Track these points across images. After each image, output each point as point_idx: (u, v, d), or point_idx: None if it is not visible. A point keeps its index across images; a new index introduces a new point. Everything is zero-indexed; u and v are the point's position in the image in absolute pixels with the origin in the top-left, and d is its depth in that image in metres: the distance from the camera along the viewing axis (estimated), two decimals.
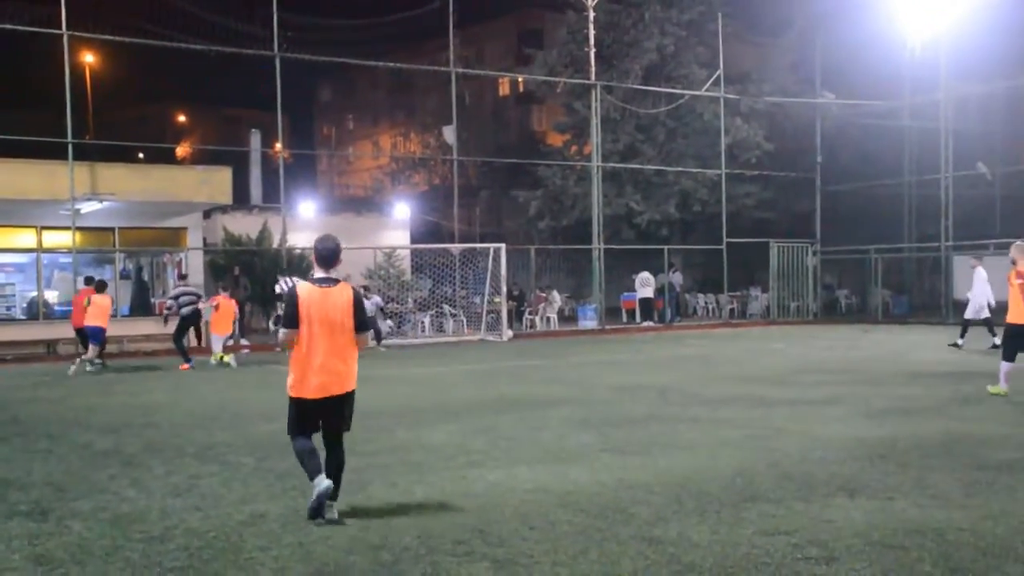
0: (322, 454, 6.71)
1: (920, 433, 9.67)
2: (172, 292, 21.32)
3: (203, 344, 22.87)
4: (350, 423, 6.85)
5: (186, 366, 18.82)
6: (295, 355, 6.60)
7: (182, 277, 24.89)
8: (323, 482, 6.42)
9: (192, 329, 20.65)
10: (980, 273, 20.92)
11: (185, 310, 19.83)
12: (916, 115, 33.95)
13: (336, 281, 6.70)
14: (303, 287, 6.68)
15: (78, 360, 18.66)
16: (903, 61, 32.75)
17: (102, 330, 18.61)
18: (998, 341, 20.30)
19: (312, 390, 6.58)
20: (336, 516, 6.47)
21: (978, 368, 16.35)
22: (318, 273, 6.78)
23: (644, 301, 31.63)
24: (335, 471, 6.62)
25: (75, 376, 17.71)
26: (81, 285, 21.08)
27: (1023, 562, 5.45)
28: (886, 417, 10.80)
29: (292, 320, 6.58)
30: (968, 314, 20.83)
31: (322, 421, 6.71)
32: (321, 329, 6.57)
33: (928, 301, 33.97)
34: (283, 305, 6.81)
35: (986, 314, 20.70)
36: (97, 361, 18.87)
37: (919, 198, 34.82)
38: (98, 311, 18.45)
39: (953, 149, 31.00)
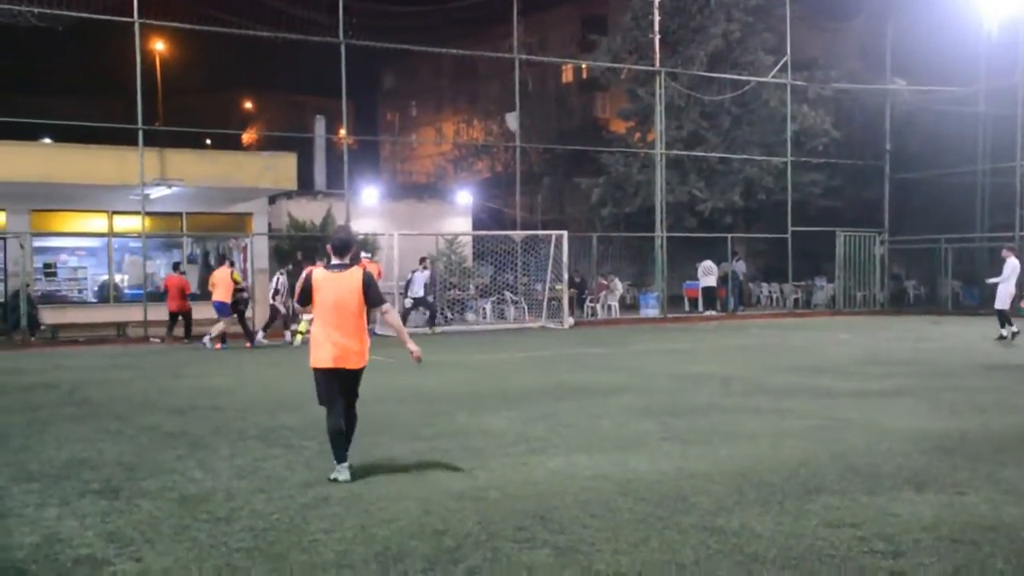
0: None
1: (991, 426, 9.45)
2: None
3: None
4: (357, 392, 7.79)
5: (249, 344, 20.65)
6: (313, 332, 7.56)
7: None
8: (343, 473, 7.30)
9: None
10: (1012, 263, 20.46)
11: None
12: (991, 101, 33.02)
13: (347, 266, 7.47)
14: (318, 272, 7.55)
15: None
16: (979, 44, 31.88)
17: (226, 305, 20.51)
18: (1004, 333, 19.87)
19: (326, 360, 7.41)
20: (349, 476, 7.31)
21: None
22: (333, 260, 7.56)
23: (707, 290, 31.34)
24: (349, 427, 7.57)
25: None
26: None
27: None
28: (955, 410, 10.57)
29: (304, 298, 7.59)
30: (999, 304, 20.38)
31: (341, 385, 7.51)
32: (333, 309, 7.40)
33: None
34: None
35: (1001, 305, 20.19)
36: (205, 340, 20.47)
37: (992, 186, 33.92)
38: (223, 287, 20.48)
39: None
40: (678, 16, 35.34)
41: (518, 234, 29.23)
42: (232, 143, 51.15)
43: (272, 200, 29.21)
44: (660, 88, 31.33)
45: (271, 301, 21.69)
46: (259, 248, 26.08)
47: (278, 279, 21.61)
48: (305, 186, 31.42)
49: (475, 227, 36.78)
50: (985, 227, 34.01)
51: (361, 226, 29.43)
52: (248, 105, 75.26)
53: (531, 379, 14.17)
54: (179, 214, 25.80)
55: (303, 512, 6.45)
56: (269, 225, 28.38)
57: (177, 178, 22.87)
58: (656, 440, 8.91)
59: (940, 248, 32.43)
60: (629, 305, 32.87)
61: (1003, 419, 9.94)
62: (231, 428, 9.88)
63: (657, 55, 31.27)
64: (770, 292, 35.08)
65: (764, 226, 35.63)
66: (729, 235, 32.87)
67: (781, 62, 32.49)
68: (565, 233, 26.78)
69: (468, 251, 31.09)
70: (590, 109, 60.61)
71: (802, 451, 8.29)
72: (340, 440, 7.39)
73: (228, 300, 20.46)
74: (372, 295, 7.46)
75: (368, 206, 33.64)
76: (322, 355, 7.42)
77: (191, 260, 26.55)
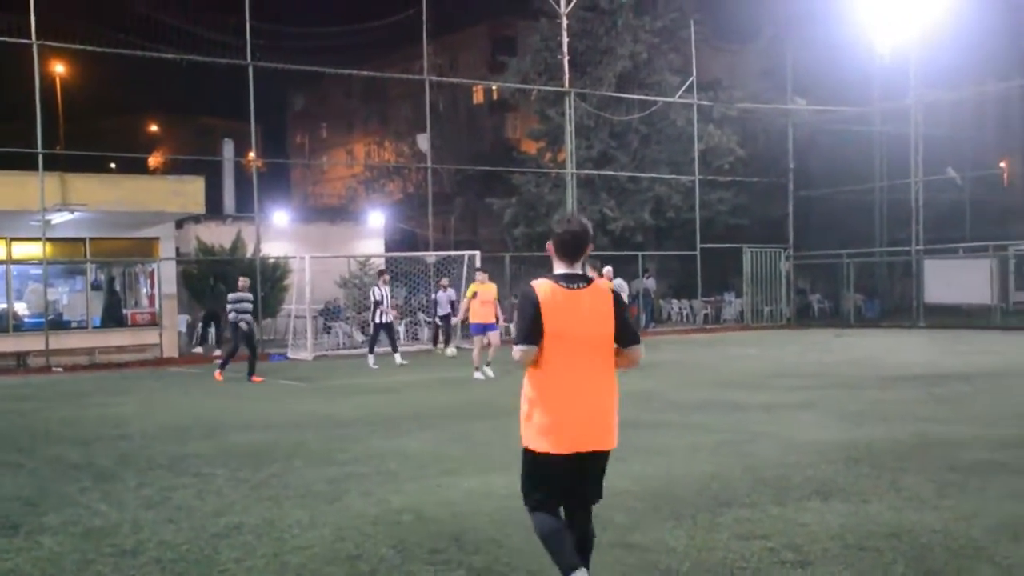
0: None
1: (893, 436, 9.73)
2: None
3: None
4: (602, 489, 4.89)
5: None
6: (537, 385, 4.65)
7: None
8: None
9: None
10: None
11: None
12: (887, 121, 34.27)
13: (588, 280, 4.70)
14: (544, 288, 4.61)
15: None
16: (873, 67, 33.09)
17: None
18: None
19: (566, 440, 4.58)
20: None
21: (950, 371, 16.50)
22: (560, 268, 4.74)
23: None
24: (583, 547, 4.79)
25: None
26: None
27: (995, 563, 5.49)
28: (860, 420, 10.86)
29: (531, 333, 4.57)
30: None
31: (574, 483, 4.73)
32: (576, 348, 4.60)
33: (899, 305, 34.27)
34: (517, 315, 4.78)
35: None
36: None
37: (890, 203, 35.17)
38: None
39: (923, 154, 31.30)
40: (586, 38, 35.83)
41: (431, 255, 29.19)
42: (138, 167, 50.05)
43: (180, 224, 28.66)
44: (570, 108, 31.69)
45: (375, 320, 20.38)
46: (166, 273, 25.54)
47: (376, 291, 20.36)
48: (214, 210, 30.92)
49: (388, 249, 36.63)
50: (884, 242, 35.19)
51: (272, 250, 29.10)
52: (154, 128, 73.81)
53: (446, 400, 14.13)
54: (82, 239, 25.10)
55: (214, 542, 6.32)
56: (177, 250, 27.82)
57: (80, 203, 22.28)
58: None
59: (842, 263, 33.39)
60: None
61: (905, 428, 10.25)
62: (138, 457, 9.63)
63: (566, 76, 31.64)
64: (680, 308, 35.62)
65: (674, 243, 36.24)
66: (640, 253, 33.33)
67: (687, 83, 33.16)
68: (478, 253, 26.85)
69: None
70: (501, 130, 60.95)
71: (714, 465, 8.42)
72: (563, 540, 4.65)
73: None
74: (629, 330, 4.73)
75: (279, 229, 33.26)
76: (559, 431, 4.58)
77: (95, 286, 25.87)
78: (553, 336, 4.55)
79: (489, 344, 17.41)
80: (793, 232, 34.84)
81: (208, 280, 26.84)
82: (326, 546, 6.13)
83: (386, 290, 20.49)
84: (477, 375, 17.15)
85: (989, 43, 32.93)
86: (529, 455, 4.71)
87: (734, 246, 33.58)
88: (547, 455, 4.59)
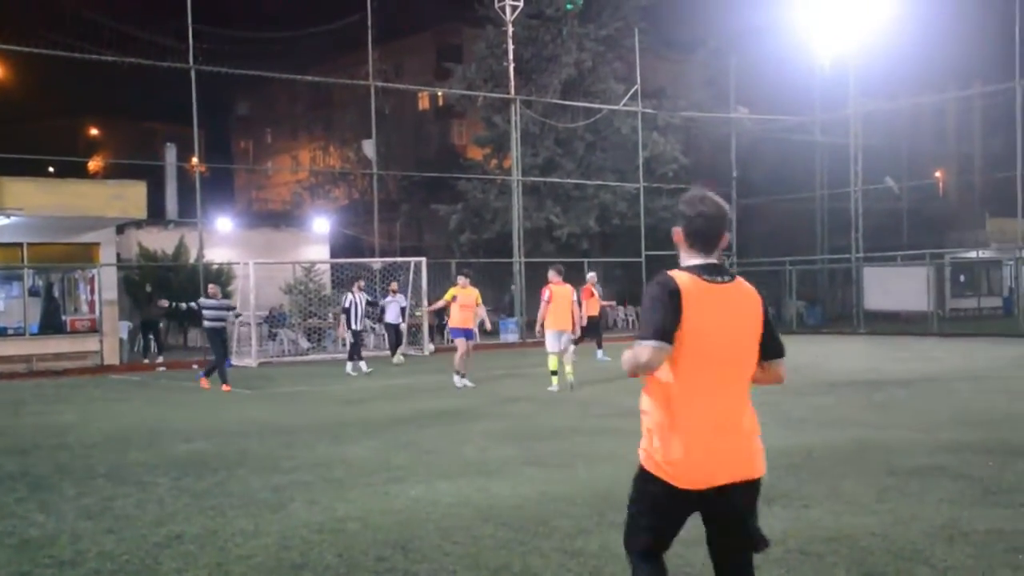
0: None
1: (834, 442, 9.88)
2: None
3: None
4: (763, 535, 3.87)
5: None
6: (666, 397, 3.72)
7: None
8: None
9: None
10: None
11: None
12: (827, 131, 34.93)
13: (733, 274, 3.84)
14: (682, 277, 3.70)
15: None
16: (814, 78, 33.70)
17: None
18: None
19: (700, 471, 3.64)
20: None
21: (890, 377, 16.81)
22: (692, 259, 3.83)
23: None
24: None
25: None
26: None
27: (932, 566, 5.60)
28: (801, 426, 11.01)
29: (667, 328, 3.59)
30: None
31: (714, 527, 3.81)
32: (717, 354, 3.69)
33: (840, 311, 34.85)
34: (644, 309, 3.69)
35: None
36: None
37: (831, 211, 35.83)
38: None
39: (862, 164, 31.91)
40: (531, 45, 36.00)
41: (377, 261, 29.06)
42: (78, 171, 49.14)
43: (120, 230, 28.18)
44: (515, 115, 31.79)
45: (353, 326, 20.06)
46: (107, 279, 25.10)
47: (348, 297, 20.09)
48: (156, 215, 30.49)
49: (333, 255, 36.35)
50: (825, 250, 35.80)
51: (216, 256, 28.75)
52: (95, 132, 72.57)
53: (392, 407, 14.07)
54: (19, 244, 24.60)
55: (155, 552, 6.22)
56: (118, 255, 27.35)
57: (15, 208, 21.84)
58: (518, 464, 8.97)
59: (785, 270, 33.88)
60: (489, 331, 32.99)
61: (844, 433, 10.42)
62: (77, 466, 9.45)
63: (512, 83, 31.74)
64: (626, 315, 35.84)
65: (619, 250, 36.48)
66: (585, 260, 33.50)
67: (631, 91, 33.45)
68: (424, 260, 26.80)
69: (326, 279, 30.69)
70: (447, 136, 60.92)
71: None
72: None
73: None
74: (776, 341, 3.95)
75: (222, 235, 32.84)
76: (690, 458, 3.65)
77: (33, 292, 25.34)
78: (692, 335, 3.59)
79: (469, 351, 16.94)
80: (737, 240, 35.27)
81: (144, 287, 26.35)
82: (270, 555, 6.07)
83: (360, 297, 20.28)
84: (459, 382, 16.62)
85: (925, 56, 33.72)
86: (648, 484, 3.74)
87: (679, 254, 33.83)
88: (675, 488, 3.63)
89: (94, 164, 61.39)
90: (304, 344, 26.34)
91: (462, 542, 6.25)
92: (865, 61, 31.63)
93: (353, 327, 20.17)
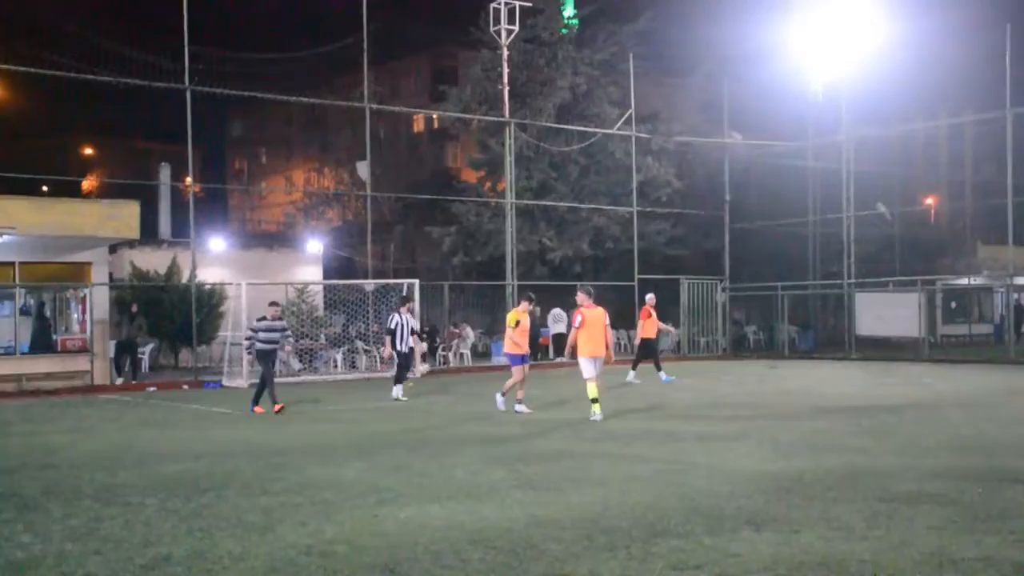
0: None
1: (824, 466, 9.88)
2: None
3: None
4: None
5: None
6: None
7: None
8: None
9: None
10: None
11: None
12: (819, 156, 35.08)
13: None
14: None
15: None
16: (806, 104, 33.89)
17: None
18: None
19: None
20: None
21: (880, 402, 16.82)
22: None
23: (557, 337, 31.79)
24: None
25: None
26: None
27: None
28: (792, 451, 11.01)
29: None
30: None
31: None
32: None
33: (832, 337, 34.89)
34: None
35: None
36: None
37: (823, 237, 35.95)
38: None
39: (854, 190, 32.05)
40: (526, 69, 36.19)
41: (370, 283, 29.06)
42: (72, 190, 49.19)
43: (113, 249, 28.16)
44: (510, 138, 31.88)
45: (398, 347, 19.08)
46: (99, 299, 25.05)
47: (394, 318, 19.14)
48: (149, 235, 30.46)
49: (326, 276, 36.38)
50: (817, 275, 35.88)
51: (208, 275, 28.73)
52: (89, 151, 72.59)
53: (383, 429, 14.03)
54: (11, 263, 24.55)
55: (141, 574, 6.18)
56: (110, 275, 27.32)
57: (8, 226, 21.83)
58: (508, 488, 8.95)
59: (777, 295, 33.94)
60: (481, 353, 33.01)
61: (835, 458, 10.41)
62: (65, 487, 9.39)
63: (506, 106, 31.88)
64: (618, 338, 35.80)
65: (612, 274, 36.50)
66: (578, 283, 33.44)
67: (626, 115, 33.61)
68: (417, 282, 26.80)
69: (319, 300, 30.70)
70: (441, 158, 61.06)
71: (649, 495, 8.47)
72: None
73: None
74: None
75: (216, 255, 32.83)
76: None
77: (24, 312, 25.26)
78: None
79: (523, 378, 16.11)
80: (729, 264, 35.34)
81: (128, 306, 26.20)
82: None
83: (406, 318, 19.28)
84: (519, 408, 15.89)
85: (917, 83, 33.97)
86: None
87: (672, 277, 33.95)
88: None
89: (88, 183, 61.45)
90: (296, 365, 26.26)
91: (451, 565, 6.23)
92: (858, 88, 31.84)
93: (399, 348, 19.21)
